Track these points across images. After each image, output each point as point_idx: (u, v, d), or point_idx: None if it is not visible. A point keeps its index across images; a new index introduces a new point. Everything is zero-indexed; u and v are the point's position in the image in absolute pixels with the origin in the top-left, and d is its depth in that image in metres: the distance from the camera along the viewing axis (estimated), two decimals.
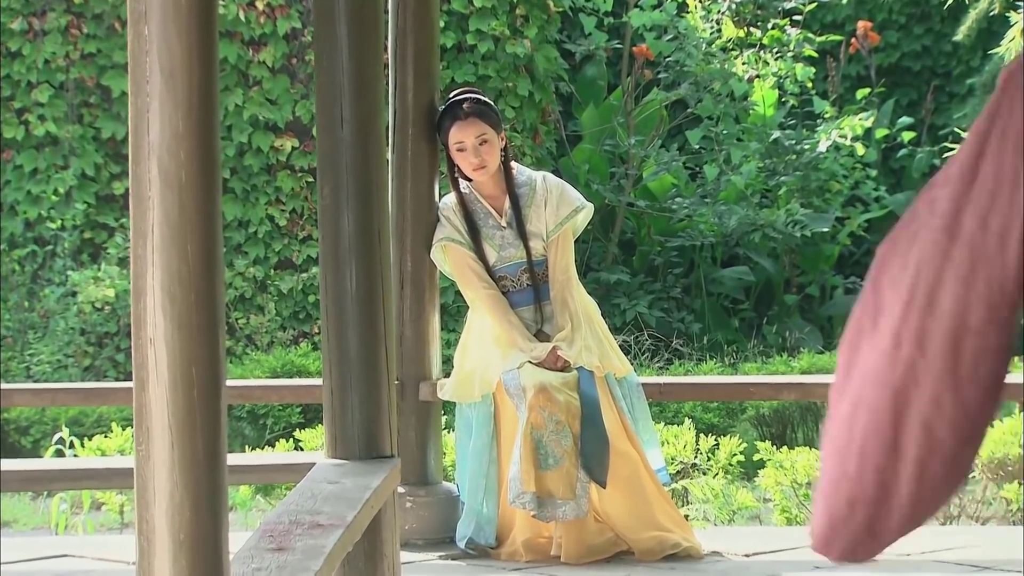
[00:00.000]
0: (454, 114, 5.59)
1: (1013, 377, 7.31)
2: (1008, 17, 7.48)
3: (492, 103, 5.73)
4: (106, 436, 7.38)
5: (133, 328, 2.63)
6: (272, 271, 11.03)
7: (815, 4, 11.75)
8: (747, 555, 5.59)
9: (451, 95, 5.71)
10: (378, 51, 4.20)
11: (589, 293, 5.97)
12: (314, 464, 4.10)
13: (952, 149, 6.85)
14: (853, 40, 12.79)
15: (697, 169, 12.26)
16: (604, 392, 5.52)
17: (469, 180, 5.66)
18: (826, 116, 12.09)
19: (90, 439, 7.40)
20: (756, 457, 7.01)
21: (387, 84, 5.53)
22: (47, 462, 5.90)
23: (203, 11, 2.61)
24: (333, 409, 4.17)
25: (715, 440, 7.12)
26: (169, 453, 2.60)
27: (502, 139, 5.63)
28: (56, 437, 7.34)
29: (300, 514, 3.42)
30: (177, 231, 2.60)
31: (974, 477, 7.24)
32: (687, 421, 7.57)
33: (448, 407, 6.09)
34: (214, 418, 2.65)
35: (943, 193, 1.92)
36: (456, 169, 5.65)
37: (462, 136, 5.56)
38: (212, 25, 2.63)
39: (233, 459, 5.43)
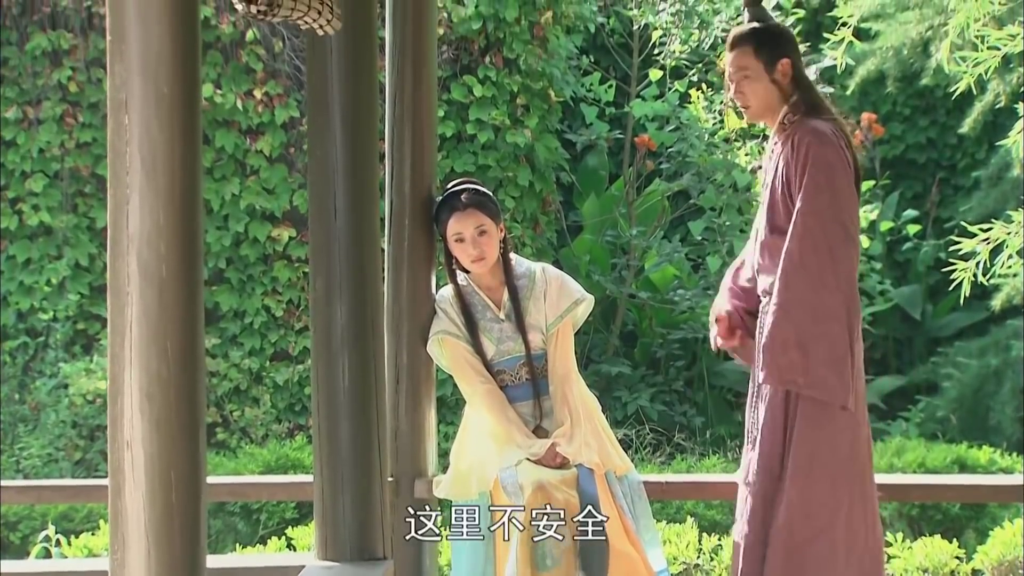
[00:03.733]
0: (452, 205, 5.49)
1: (1016, 478, 7.17)
2: (1015, 109, 7.42)
3: (491, 194, 5.63)
4: (93, 534, 7.25)
5: (109, 430, 2.54)
6: (268, 362, 10.93)
7: None
8: None
9: (449, 185, 5.62)
10: (373, 140, 4.13)
11: (590, 385, 5.85)
12: (303, 567, 3.99)
13: (958, 242, 6.74)
14: (857, 132, 12.72)
15: (699, 260, 12.17)
16: (604, 490, 5.39)
17: (467, 272, 5.56)
18: None
19: (77, 536, 7.27)
20: None
21: (383, 174, 5.44)
22: (24, 564, 5.75)
23: (187, 100, 2.52)
24: (324, 509, 4.07)
25: (718, 539, 7.00)
26: (145, 561, 2.50)
27: (501, 230, 5.53)
28: (42, 535, 7.21)
29: None
30: (157, 328, 2.50)
31: None
32: (689, 519, 7.44)
33: (444, 504, 5.95)
34: (193, 523, 2.54)
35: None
36: (454, 261, 5.54)
37: (460, 227, 5.46)
38: (196, 115, 2.55)
39: (219, 561, 5.30)
